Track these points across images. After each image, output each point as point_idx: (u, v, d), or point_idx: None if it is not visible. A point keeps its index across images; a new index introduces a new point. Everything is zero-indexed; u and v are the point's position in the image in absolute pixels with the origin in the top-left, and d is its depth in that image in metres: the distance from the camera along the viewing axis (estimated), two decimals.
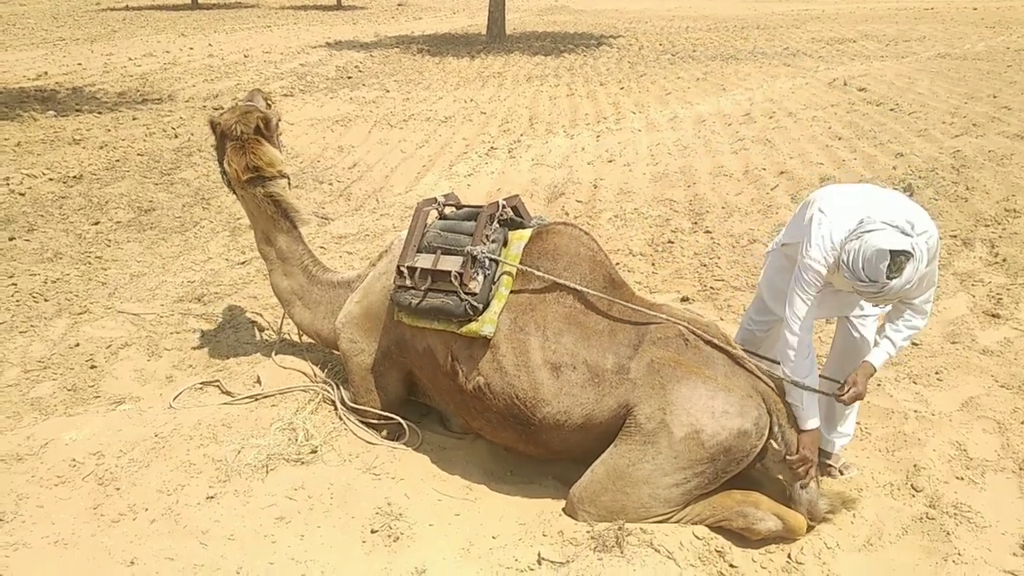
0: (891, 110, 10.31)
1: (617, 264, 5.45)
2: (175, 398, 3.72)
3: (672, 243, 5.85)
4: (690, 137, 9.21)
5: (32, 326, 4.63)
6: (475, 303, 3.00)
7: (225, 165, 3.67)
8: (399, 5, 37.50)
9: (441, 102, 12.16)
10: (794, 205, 6.64)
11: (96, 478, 3.13)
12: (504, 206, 3.20)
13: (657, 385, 2.81)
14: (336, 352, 3.81)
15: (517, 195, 3.35)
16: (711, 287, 5.04)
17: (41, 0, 38.45)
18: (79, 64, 16.28)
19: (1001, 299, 4.64)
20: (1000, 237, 5.62)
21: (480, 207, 3.25)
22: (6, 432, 3.49)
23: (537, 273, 3.04)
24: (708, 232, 6.07)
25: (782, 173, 7.60)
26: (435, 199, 3.34)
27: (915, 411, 3.51)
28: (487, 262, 3.06)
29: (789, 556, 2.67)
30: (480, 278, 3.04)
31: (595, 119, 10.67)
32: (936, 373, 3.83)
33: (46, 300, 5.02)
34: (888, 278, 2.43)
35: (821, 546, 2.72)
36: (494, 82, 14.24)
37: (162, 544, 2.75)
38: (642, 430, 2.80)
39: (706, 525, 2.79)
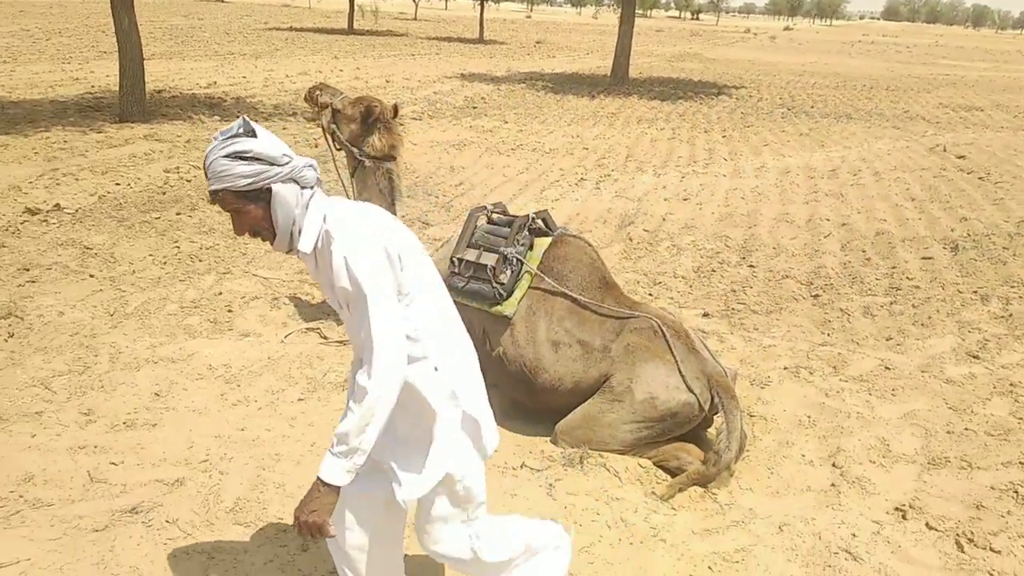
0: (979, 178, 10.64)
1: (658, 284, 6.35)
2: (286, 336, 4.94)
3: (715, 272, 6.67)
4: (769, 186, 9.94)
5: (189, 277, 6.00)
6: (502, 291, 3.99)
7: (375, 139, 4.52)
8: (537, 43, 39.32)
9: (551, 136, 13.33)
10: (842, 253, 7.33)
11: (224, 379, 4.35)
12: (534, 218, 4.21)
13: (629, 362, 3.73)
14: None
15: (546, 209, 4.35)
16: (733, 308, 5.86)
17: (216, 16, 42.71)
18: (244, 77, 18.54)
19: (987, 344, 5.22)
20: (1019, 297, 6.14)
21: (517, 217, 4.26)
22: (167, 344, 4.79)
23: (547, 280, 4.01)
24: (752, 267, 6.85)
25: (843, 225, 8.25)
26: (485, 207, 4.39)
27: (859, 413, 4.25)
28: (515, 261, 4.05)
29: (707, 487, 3.53)
30: (508, 272, 4.02)
31: (687, 162, 11.54)
32: (893, 391, 4.53)
33: (200, 261, 6.42)
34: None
35: (735, 486, 3.57)
36: (606, 122, 15.31)
37: (264, 422, 3.92)
38: (613, 391, 3.73)
39: (650, 461, 3.69)
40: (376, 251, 2.03)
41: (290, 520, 2.78)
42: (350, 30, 38.35)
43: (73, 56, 20.40)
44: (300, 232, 2.08)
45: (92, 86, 15.42)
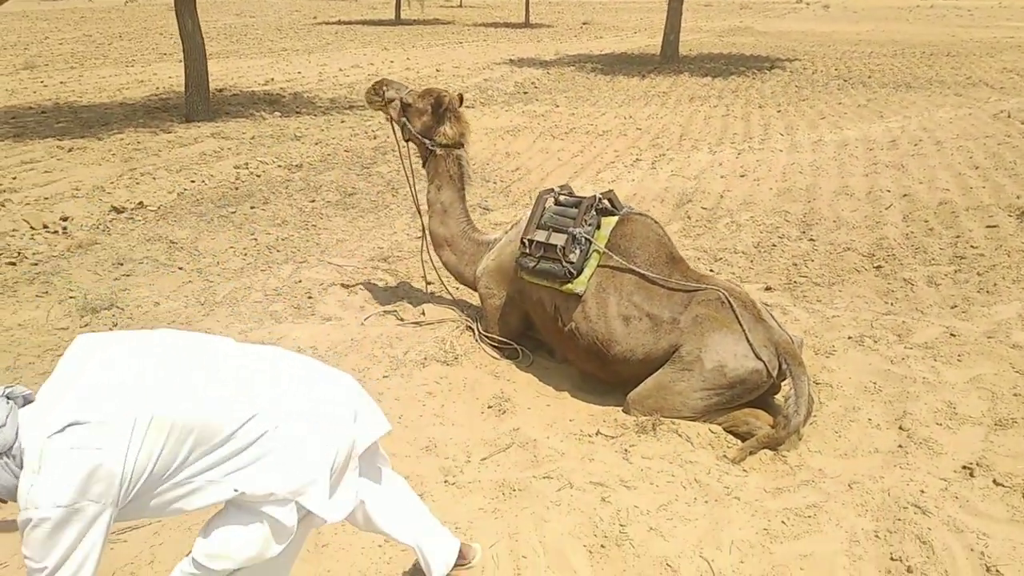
0: None
1: (719, 259, 6.47)
2: (365, 319, 5.21)
3: (775, 247, 6.75)
4: (827, 159, 9.90)
5: (269, 267, 6.34)
6: (572, 270, 4.18)
7: (447, 128, 4.80)
8: (583, 24, 39.12)
9: (603, 117, 13.41)
10: (904, 224, 7.32)
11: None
12: (600, 198, 4.38)
13: (698, 332, 3.90)
14: (466, 289, 5.25)
15: (611, 190, 4.51)
16: (795, 281, 5.94)
17: (267, 13, 43.47)
18: (299, 72, 18.97)
19: None
20: None
21: (584, 197, 4.44)
22: (256, 329, 5.11)
23: (615, 257, 4.19)
24: (812, 240, 6.91)
25: (905, 196, 8.20)
26: (552, 189, 4.58)
27: (924, 378, 4.33)
28: (583, 240, 4.24)
29: (777, 451, 3.68)
30: (577, 252, 4.22)
31: (742, 138, 11.52)
32: (958, 356, 4.59)
33: (278, 251, 6.76)
34: None
35: (804, 449, 3.72)
36: (657, 101, 15.30)
37: None
38: (683, 360, 3.90)
39: (720, 427, 3.86)
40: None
41: None
42: (397, 20, 38.73)
43: (136, 59, 21.14)
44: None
45: (157, 87, 16.03)
